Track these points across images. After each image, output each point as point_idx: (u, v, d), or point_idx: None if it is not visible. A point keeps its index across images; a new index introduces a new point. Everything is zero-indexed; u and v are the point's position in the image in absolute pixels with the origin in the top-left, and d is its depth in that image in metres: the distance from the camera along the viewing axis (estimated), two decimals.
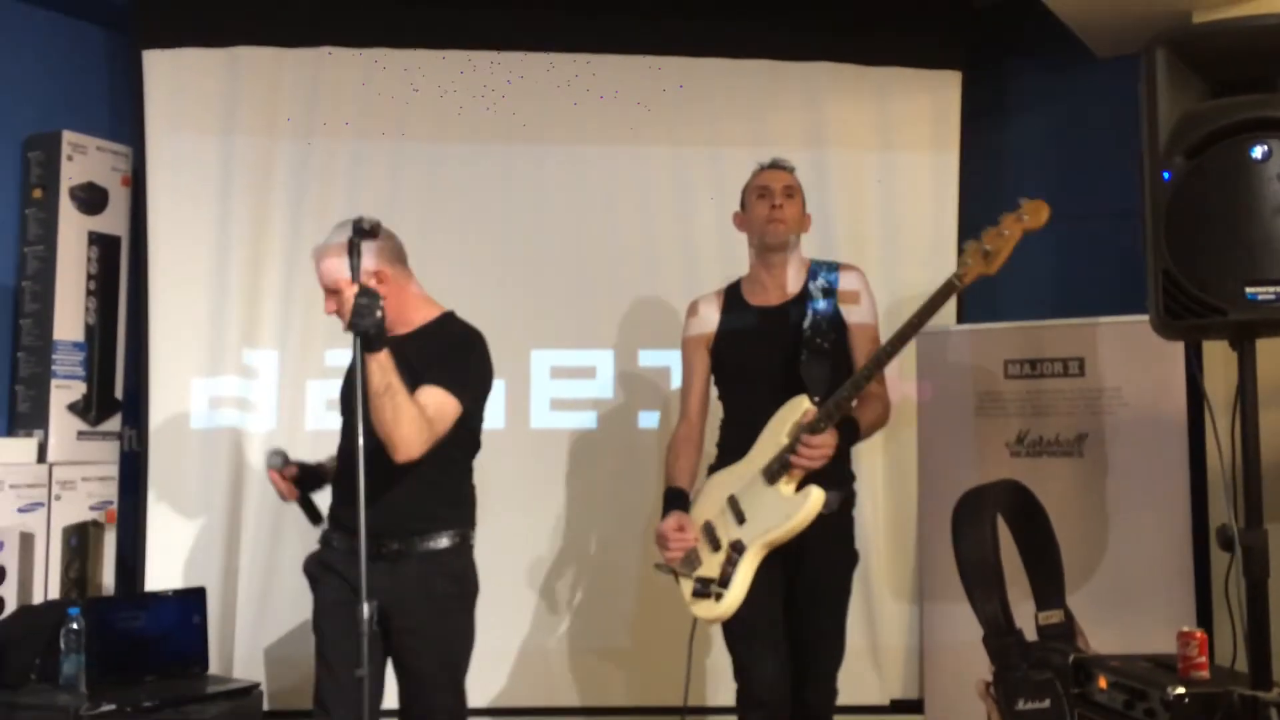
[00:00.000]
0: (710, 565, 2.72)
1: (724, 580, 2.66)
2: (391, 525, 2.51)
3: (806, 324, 2.76)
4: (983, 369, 3.61)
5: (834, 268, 2.87)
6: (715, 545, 2.72)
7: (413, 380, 2.48)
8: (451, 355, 2.62)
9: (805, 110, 4.10)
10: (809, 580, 2.75)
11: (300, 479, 2.71)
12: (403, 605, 2.52)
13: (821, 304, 2.80)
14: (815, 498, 2.59)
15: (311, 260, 2.66)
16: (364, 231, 2.40)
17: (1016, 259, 4.17)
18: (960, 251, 2.61)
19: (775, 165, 2.95)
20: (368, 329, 2.34)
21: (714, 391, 2.99)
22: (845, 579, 2.84)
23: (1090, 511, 3.38)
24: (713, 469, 2.88)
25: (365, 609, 2.25)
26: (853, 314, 2.83)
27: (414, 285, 2.74)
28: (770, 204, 2.84)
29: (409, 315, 2.68)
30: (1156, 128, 2.17)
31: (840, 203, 4.06)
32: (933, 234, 4.07)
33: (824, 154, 4.07)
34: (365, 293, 2.35)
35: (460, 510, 2.70)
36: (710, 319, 2.91)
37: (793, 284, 2.87)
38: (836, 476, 2.73)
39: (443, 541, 2.61)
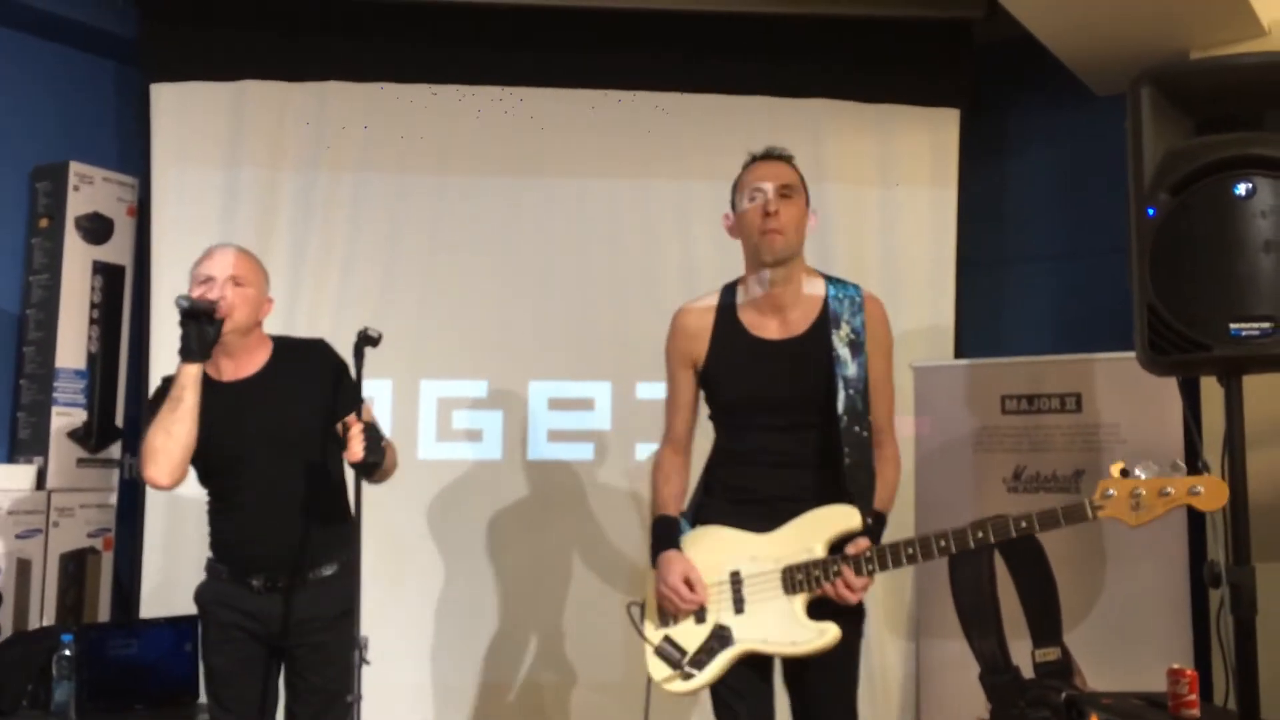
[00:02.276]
0: (686, 634, 2.40)
1: (698, 662, 2.37)
2: (284, 560, 2.61)
3: (841, 405, 2.37)
4: (980, 404, 3.60)
5: (857, 306, 2.45)
6: (699, 615, 2.40)
7: (323, 401, 2.64)
8: (349, 377, 2.64)
9: (806, 146, 4.08)
10: (810, 662, 2.38)
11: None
12: (298, 629, 2.61)
13: (851, 369, 2.39)
14: (830, 638, 2.33)
15: (217, 251, 2.67)
16: (371, 340, 2.47)
17: (1014, 295, 4.23)
18: (1114, 475, 2.26)
19: (769, 155, 2.51)
20: (377, 462, 2.46)
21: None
22: (852, 641, 2.44)
23: (1088, 549, 3.36)
24: (706, 508, 2.52)
25: (360, 636, 2.34)
26: (875, 364, 2.46)
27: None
28: (764, 210, 2.40)
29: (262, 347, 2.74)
30: (1142, 164, 2.19)
31: (840, 237, 4.07)
32: (932, 269, 4.09)
33: (824, 189, 4.07)
34: (372, 428, 2.45)
35: (343, 537, 2.69)
36: (699, 337, 2.51)
37: (802, 307, 2.47)
38: None
39: (331, 569, 2.66)
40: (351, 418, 2.44)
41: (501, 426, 3.99)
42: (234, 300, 2.58)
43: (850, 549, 2.34)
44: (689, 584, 2.37)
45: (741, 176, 2.52)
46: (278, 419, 2.62)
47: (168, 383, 2.64)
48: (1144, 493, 2.22)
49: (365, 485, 2.62)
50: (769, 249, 2.41)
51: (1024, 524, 2.27)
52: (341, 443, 2.49)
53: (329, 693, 2.56)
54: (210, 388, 2.61)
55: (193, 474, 2.69)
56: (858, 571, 2.31)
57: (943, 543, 2.31)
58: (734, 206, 2.53)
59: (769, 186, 2.43)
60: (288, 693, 2.71)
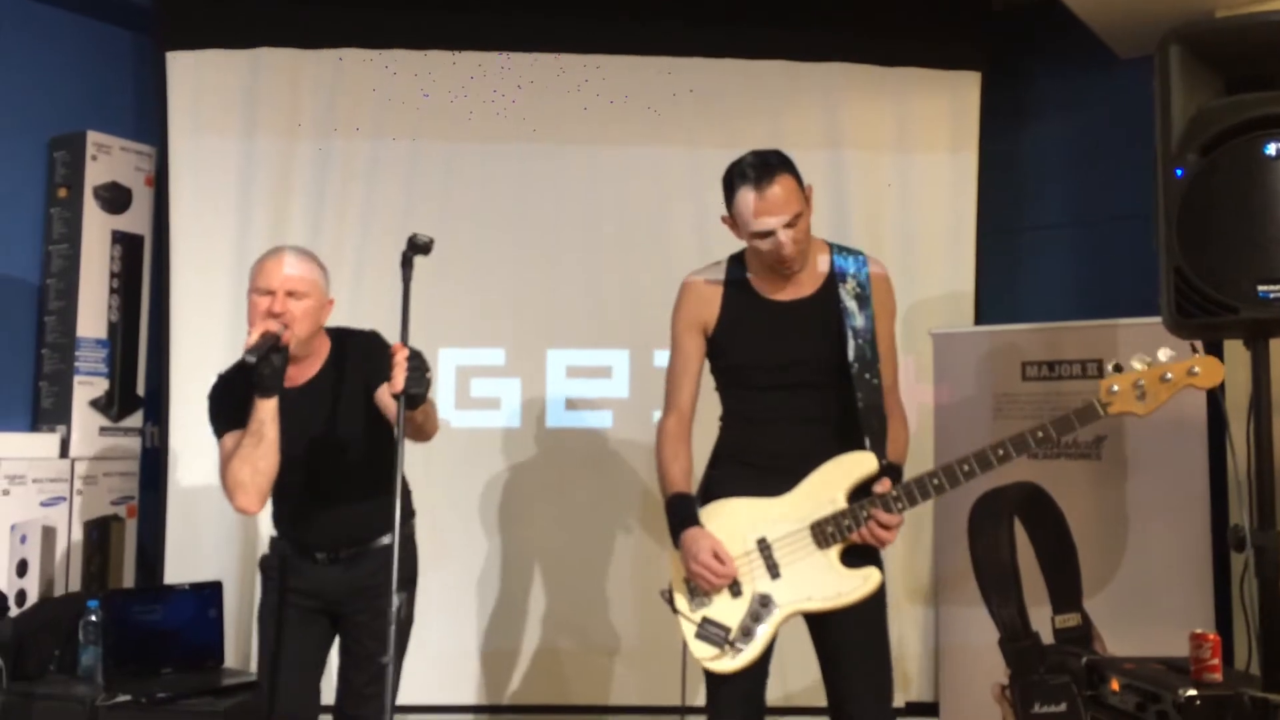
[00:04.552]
0: (724, 610, 2.39)
1: (745, 635, 2.36)
2: (345, 536, 2.66)
3: (851, 354, 2.41)
4: (1000, 371, 3.59)
5: (861, 263, 2.50)
6: (734, 590, 2.39)
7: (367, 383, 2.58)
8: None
9: (823, 111, 4.09)
10: (841, 621, 2.39)
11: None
12: (360, 595, 2.64)
13: (860, 320, 2.44)
14: (875, 582, 2.36)
15: (275, 260, 2.62)
16: (420, 247, 2.36)
17: (1035, 261, 4.20)
18: (1109, 371, 2.30)
19: (762, 178, 2.37)
20: (420, 393, 2.30)
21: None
22: (878, 600, 2.43)
23: (1108, 514, 3.35)
24: (715, 480, 2.53)
25: (395, 599, 2.24)
26: (881, 325, 2.49)
27: None
28: (777, 251, 2.40)
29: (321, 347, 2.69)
30: (1170, 125, 2.16)
31: (858, 203, 4.05)
32: (951, 235, 4.06)
33: (842, 154, 4.07)
34: (417, 354, 2.29)
35: (401, 508, 2.67)
36: (710, 302, 2.53)
37: (810, 270, 2.50)
38: None
39: (389, 538, 2.58)
40: (398, 344, 2.30)
41: (520, 394, 4.00)
42: (293, 314, 2.54)
43: (877, 488, 2.36)
44: (719, 558, 2.36)
45: (738, 202, 2.42)
46: (335, 421, 2.62)
47: (223, 385, 2.65)
48: (1145, 382, 2.26)
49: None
50: (787, 268, 2.45)
51: (1040, 434, 2.31)
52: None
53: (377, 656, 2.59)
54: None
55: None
56: (887, 510, 2.33)
57: (966, 467, 2.33)
58: (730, 209, 2.47)
59: (776, 225, 2.38)
60: (344, 659, 2.73)
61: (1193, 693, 2.18)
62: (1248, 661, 2.36)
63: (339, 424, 2.62)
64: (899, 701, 3.85)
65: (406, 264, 2.36)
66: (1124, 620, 3.15)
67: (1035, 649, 2.76)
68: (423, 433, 2.54)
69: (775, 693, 3.55)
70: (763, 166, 2.39)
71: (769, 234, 2.39)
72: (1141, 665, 2.45)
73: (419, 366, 2.29)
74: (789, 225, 2.38)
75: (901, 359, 3.87)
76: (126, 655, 3.31)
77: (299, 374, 2.64)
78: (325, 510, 2.66)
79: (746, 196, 2.39)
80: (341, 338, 2.71)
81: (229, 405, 2.60)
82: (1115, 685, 2.41)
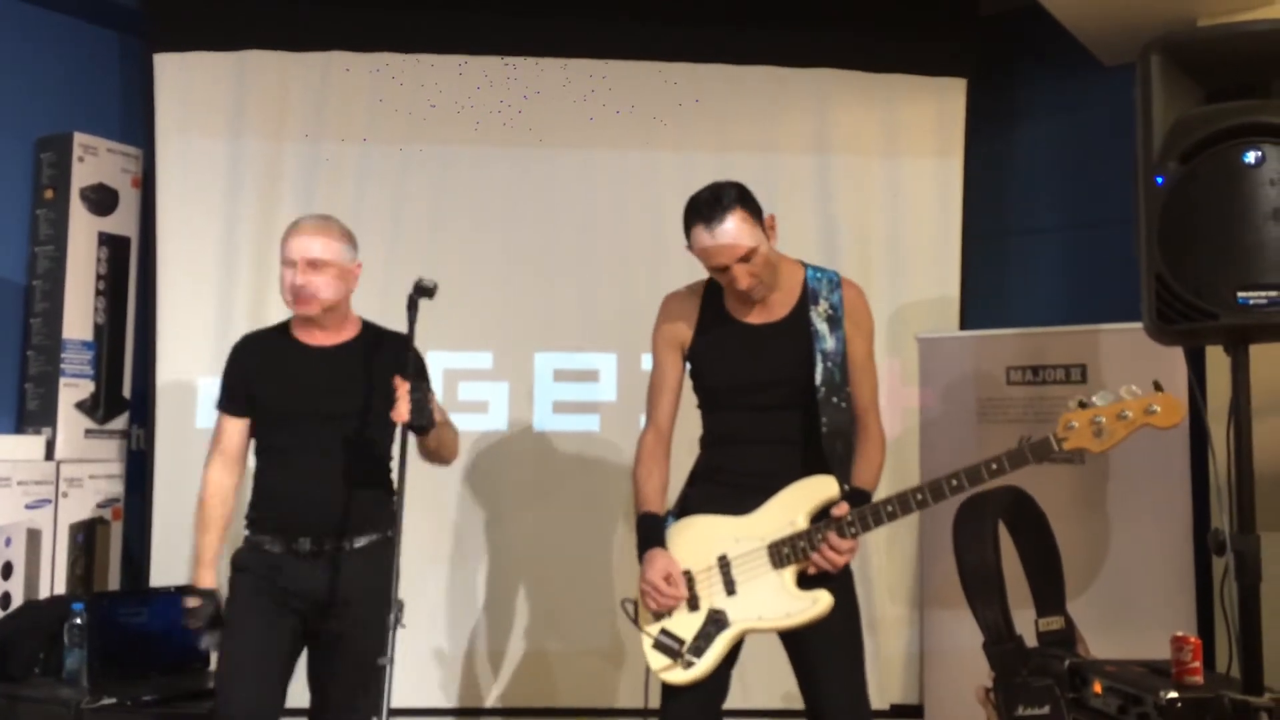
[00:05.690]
0: (681, 623, 2.43)
1: (696, 649, 2.40)
2: (328, 525, 2.66)
3: (819, 378, 2.43)
4: (985, 375, 3.61)
5: (835, 283, 2.52)
6: (693, 603, 2.44)
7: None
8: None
9: (812, 116, 4.12)
10: (811, 632, 2.41)
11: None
12: (338, 597, 2.65)
13: (830, 343, 2.46)
14: (824, 605, 2.37)
15: (296, 232, 2.72)
16: (426, 290, 2.49)
17: (1020, 266, 4.23)
18: (1073, 407, 2.32)
19: (718, 215, 2.37)
20: (425, 425, 2.47)
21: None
22: (849, 609, 2.48)
23: (1091, 518, 3.38)
24: (690, 498, 2.57)
25: (394, 603, 2.31)
26: (856, 345, 2.52)
27: None
28: (733, 285, 2.43)
29: (350, 324, 2.80)
30: (1151, 132, 2.18)
31: (845, 208, 4.07)
32: (937, 240, 4.08)
33: (830, 160, 4.09)
34: (418, 388, 2.44)
35: (385, 509, 2.73)
36: (687, 321, 2.57)
37: (783, 292, 2.52)
38: None
39: (363, 541, 2.70)
40: (398, 379, 2.47)
41: (507, 398, 4.01)
42: (315, 284, 2.66)
43: (834, 513, 2.39)
44: (668, 580, 2.41)
45: (693, 239, 2.44)
46: (340, 393, 2.68)
47: (244, 346, 2.79)
48: (1104, 419, 2.29)
49: (432, 469, 2.76)
50: (751, 299, 2.48)
51: (995, 466, 2.33)
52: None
53: (366, 664, 2.57)
54: (294, 347, 2.73)
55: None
56: (841, 535, 2.37)
57: (919, 496, 2.35)
58: (689, 244, 2.47)
59: (728, 262, 2.40)
60: (321, 672, 2.71)
61: (1174, 695, 2.19)
62: (1228, 664, 2.38)
63: (348, 399, 2.68)
64: (884, 704, 3.88)
65: (412, 307, 2.51)
66: (1106, 623, 3.17)
67: (1019, 652, 2.78)
68: (437, 457, 2.71)
69: (774, 695, 3.57)
70: (714, 204, 2.39)
71: (723, 270, 2.43)
72: (1123, 668, 2.47)
73: (419, 401, 2.43)
74: (743, 260, 2.39)
75: (887, 362, 3.95)
76: (112, 658, 3.30)
77: (325, 338, 2.75)
78: (313, 487, 2.65)
79: (700, 235, 2.41)
80: (371, 330, 2.82)
81: (235, 377, 2.74)
82: (1098, 687, 2.43)
